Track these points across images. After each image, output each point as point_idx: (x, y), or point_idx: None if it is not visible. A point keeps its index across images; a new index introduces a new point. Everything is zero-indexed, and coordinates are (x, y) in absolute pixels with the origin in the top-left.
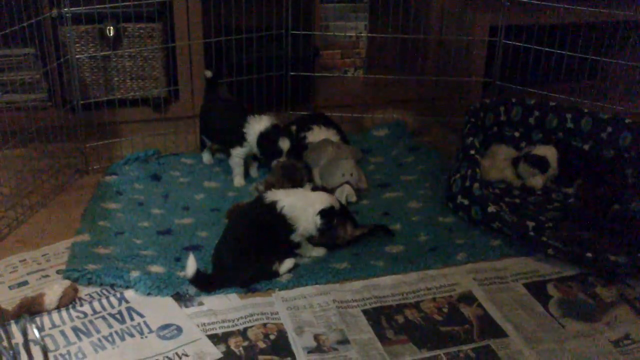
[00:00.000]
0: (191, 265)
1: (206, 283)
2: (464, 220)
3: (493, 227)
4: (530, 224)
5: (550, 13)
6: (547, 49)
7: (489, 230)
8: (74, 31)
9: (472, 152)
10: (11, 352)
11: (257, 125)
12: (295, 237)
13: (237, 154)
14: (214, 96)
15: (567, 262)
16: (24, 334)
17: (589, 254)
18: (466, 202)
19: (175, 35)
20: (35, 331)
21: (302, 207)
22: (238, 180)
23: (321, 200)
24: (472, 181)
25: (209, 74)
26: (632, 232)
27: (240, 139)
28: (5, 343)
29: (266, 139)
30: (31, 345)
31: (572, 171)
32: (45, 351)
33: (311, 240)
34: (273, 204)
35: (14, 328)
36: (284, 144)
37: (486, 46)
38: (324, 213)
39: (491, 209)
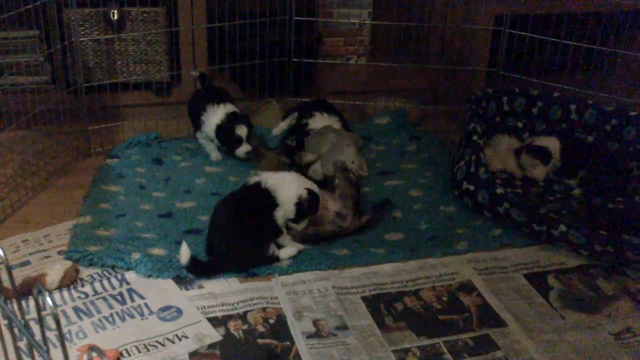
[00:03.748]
0: (184, 253)
1: (202, 270)
2: (469, 207)
3: (499, 212)
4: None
5: (556, 2)
6: (552, 39)
7: (495, 215)
8: (78, 14)
9: (475, 137)
10: (22, 321)
11: (213, 117)
12: (278, 215)
13: (199, 135)
14: (203, 84)
15: (576, 251)
16: (37, 301)
17: (603, 232)
18: (472, 187)
19: (178, 20)
20: (49, 299)
21: (287, 181)
22: (214, 155)
23: (310, 183)
24: (478, 166)
25: (195, 74)
26: (636, 224)
27: (199, 124)
28: (19, 317)
29: (223, 130)
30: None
31: (576, 163)
32: (57, 320)
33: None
34: (257, 183)
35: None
36: (241, 130)
37: (491, 35)
38: (310, 191)
39: (499, 190)
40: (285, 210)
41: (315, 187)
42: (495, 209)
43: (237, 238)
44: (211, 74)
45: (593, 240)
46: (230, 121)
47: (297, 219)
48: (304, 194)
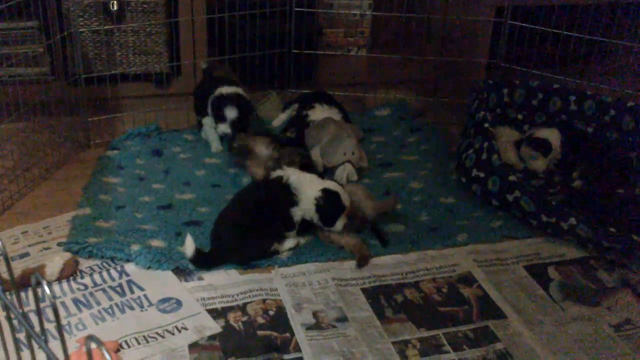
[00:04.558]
0: (189, 246)
1: (205, 261)
2: (477, 194)
3: (508, 200)
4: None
5: None
6: (553, 30)
7: (503, 203)
8: (77, 5)
9: (486, 125)
10: (20, 310)
11: (217, 93)
12: (296, 213)
13: (206, 123)
14: (207, 75)
15: (578, 244)
16: (35, 291)
17: (613, 229)
18: (482, 174)
19: (178, 11)
20: (46, 289)
21: (310, 181)
22: (215, 146)
23: (331, 184)
24: (490, 153)
25: (203, 65)
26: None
27: (206, 109)
28: (18, 308)
29: (216, 103)
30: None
31: (576, 154)
32: (56, 310)
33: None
34: (279, 177)
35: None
36: (231, 113)
37: (491, 27)
38: (327, 191)
39: (512, 177)
40: (304, 210)
41: (334, 186)
42: (505, 197)
43: (244, 230)
44: (207, 60)
45: (602, 237)
46: (226, 99)
47: (324, 222)
48: (319, 195)
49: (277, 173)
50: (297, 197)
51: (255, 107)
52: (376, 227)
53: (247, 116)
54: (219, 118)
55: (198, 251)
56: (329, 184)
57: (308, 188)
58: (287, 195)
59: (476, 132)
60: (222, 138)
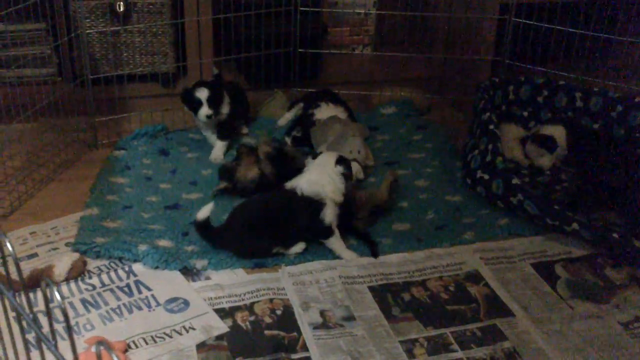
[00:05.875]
0: (205, 211)
1: (207, 234)
2: (482, 196)
3: (512, 203)
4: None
5: None
6: (558, 27)
7: (508, 206)
8: (84, 6)
9: (492, 127)
10: (30, 315)
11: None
12: (326, 213)
13: (200, 126)
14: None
15: (585, 242)
16: (45, 295)
17: (615, 235)
18: (487, 176)
19: (184, 11)
20: (56, 293)
21: (319, 174)
22: (215, 153)
23: (329, 156)
24: (495, 155)
25: (215, 70)
26: None
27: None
28: (27, 310)
29: (185, 94)
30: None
31: (582, 151)
32: (65, 313)
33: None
34: (293, 190)
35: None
36: (201, 93)
37: (496, 24)
38: (339, 160)
39: (515, 181)
40: (333, 199)
41: (336, 154)
42: (509, 199)
43: (253, 228)
44: (217, 65)
45: (605, 242)
46: (194, 85)
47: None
48: (340, 168)
49: (290, 185)
50: (322, 200)
51: (261, 106)
52: (368, 237)
53: (220, 94)
54: (195, 106)
55: (207, 221)
56: (332, 156)
57: (324, 178)
58: (312, 204)
59: (481, 133)
60: (218, 134)
